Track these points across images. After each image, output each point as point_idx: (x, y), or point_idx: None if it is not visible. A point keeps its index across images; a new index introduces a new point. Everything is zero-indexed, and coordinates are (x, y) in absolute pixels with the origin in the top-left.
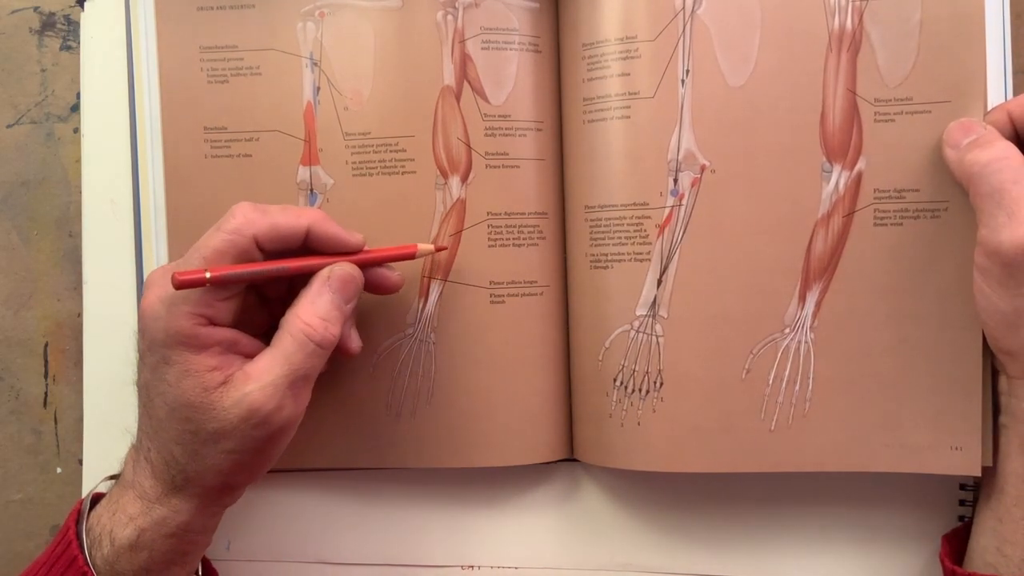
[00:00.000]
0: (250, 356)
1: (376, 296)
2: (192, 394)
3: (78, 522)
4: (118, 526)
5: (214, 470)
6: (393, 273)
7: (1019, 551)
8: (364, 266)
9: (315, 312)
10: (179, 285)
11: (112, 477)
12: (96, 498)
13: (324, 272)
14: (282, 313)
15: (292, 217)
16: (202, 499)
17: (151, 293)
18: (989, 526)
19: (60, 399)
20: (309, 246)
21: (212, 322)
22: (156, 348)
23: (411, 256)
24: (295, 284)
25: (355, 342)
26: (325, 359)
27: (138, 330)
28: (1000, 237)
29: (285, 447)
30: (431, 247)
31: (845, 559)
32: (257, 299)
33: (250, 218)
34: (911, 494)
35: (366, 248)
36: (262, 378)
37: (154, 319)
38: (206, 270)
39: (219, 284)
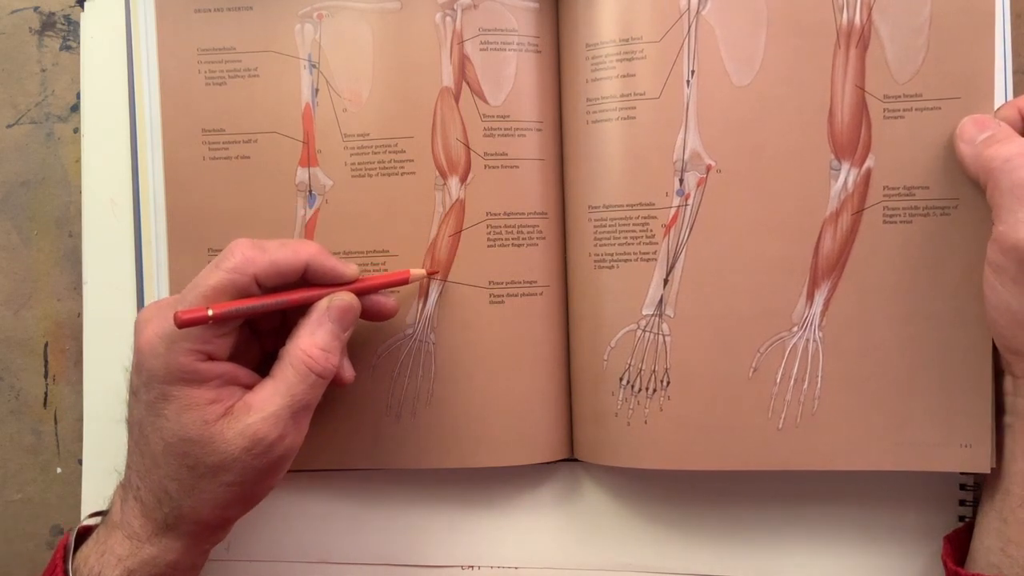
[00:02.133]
0: (248, 387)
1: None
2: (193, 428)
3: (65, 559)
4: (107, 567)
5: (211, 504)
6: (388, 299)
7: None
8: (360, 294)
9: (315, 343)
10: (182, 324)
11: (98, 513)
12: (84, 531)
13: (323, 303)
14: (274, 345)
15: (291, 253)
16: (193, 537)
17: (149, 330)
18: (993, 527)
19: (60, 399)
20: (306, 279)
21: (211, 357)
22: (155, 384)
23: (404, 282)
24: (288, 316)
25: (348, 371)
26: (324, 388)
27: (133, 367)
28: (1019, 233)
29: (282, 476)
30: (423, 272)
31: (845, 559)
32: (250, 332)
33: (249, 256)
34: (911, 494)
35: (360, 277)
36: (265, 408)
37: (154, 356)
38: (208, 308)
39: (221, 321)
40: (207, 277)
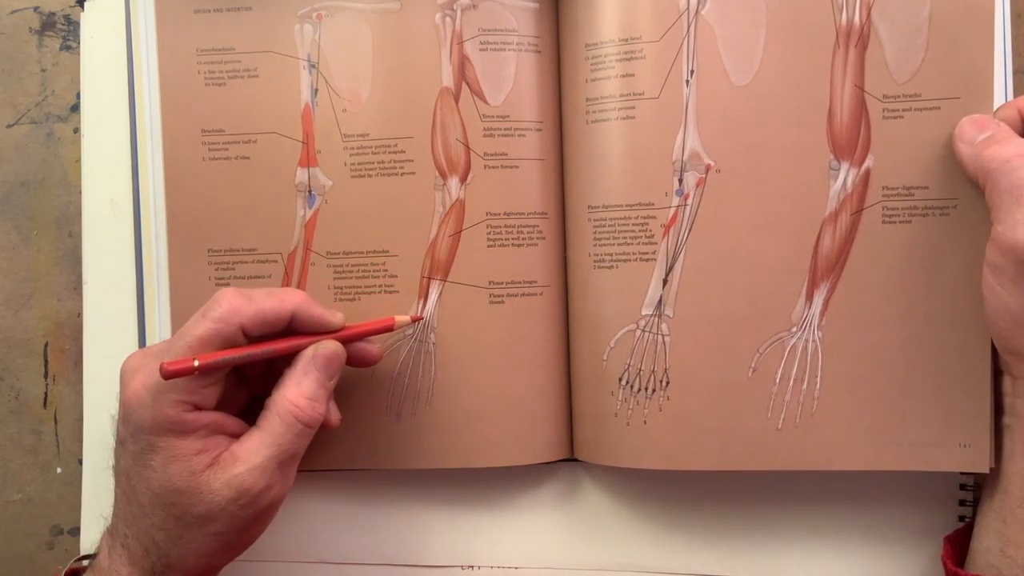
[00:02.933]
0: (234, 435)
1: (375, 296)
2: (179, 479)
3: None
4: None
5: (197, 553)
6: (373, 346)
7: (1023, 552)
8: (344, 342)
9: (301, 392)
10: (168, 375)
11: (85, 557)
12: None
13: (309, 351)
14: (260, 389)
15: (277, 303)
16: None
17: (135, 381)
18: (992, 527)
19: (60, 399)
20: (292, 327)
21: (198, 407)
22: (141, 435)
23: (389, 329)
24: (274, 361)
25: (334, 415)
26: (311, 437)
27: (120, 417)
28: (1017, 234)
29: (269, 523)
30: (407, 319)
31: (845, 559)
32: (236, 378)
33: (236, 306)
34: (911, 494)
35: (345, 325)
36: (251, 459)
37: (140, 407)
38: (194, 358)
39: (207, 372)
40: (194, 327)
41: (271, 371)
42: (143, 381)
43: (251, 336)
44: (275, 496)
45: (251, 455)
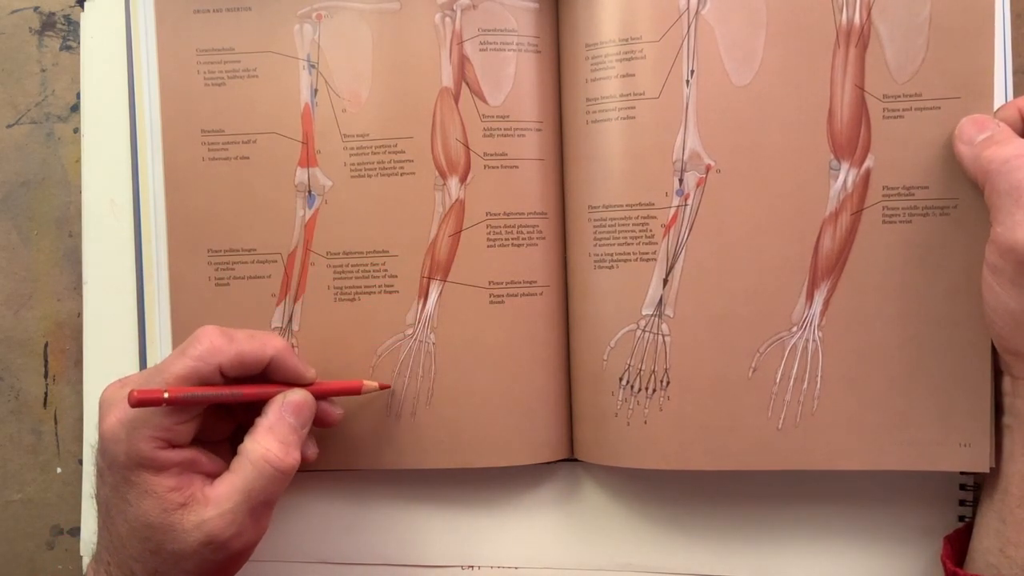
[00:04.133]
0: (210, 474)
1: (375, 296)
2: (152, 514)
3: None
4: None
5: None
6: (335, 409)
7: (1022, 552)
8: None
9: (275, 438)
10: (135, 403)
11: None
12: None
13: (279, 398)
14: (244, 416)
15: (258, 346)
16: None
17: (111, 415)
18: (992, 527)
19: (60, 399)
20: (267, 374)
21: (172, 444)
22: (116, 469)
23: (356, 391)
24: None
25: (311, 450)
26: (287, 483)
27: (98, 449)
28: (1016, 235)
29: (244, 565)
30: (375, 384)
31: (845, 559)
32: (220, 407)
33: (216, 345)
34: (911, 494)
35: (316, 381)
36: (221, 504)
37: (115, 442)
38: (165, 390)
39: (175, 405)
40: (172, 363)
41: (255, 401)
42: (118, 416)
43: (228, 377)
44: (245, 543)
45: (222, 500)
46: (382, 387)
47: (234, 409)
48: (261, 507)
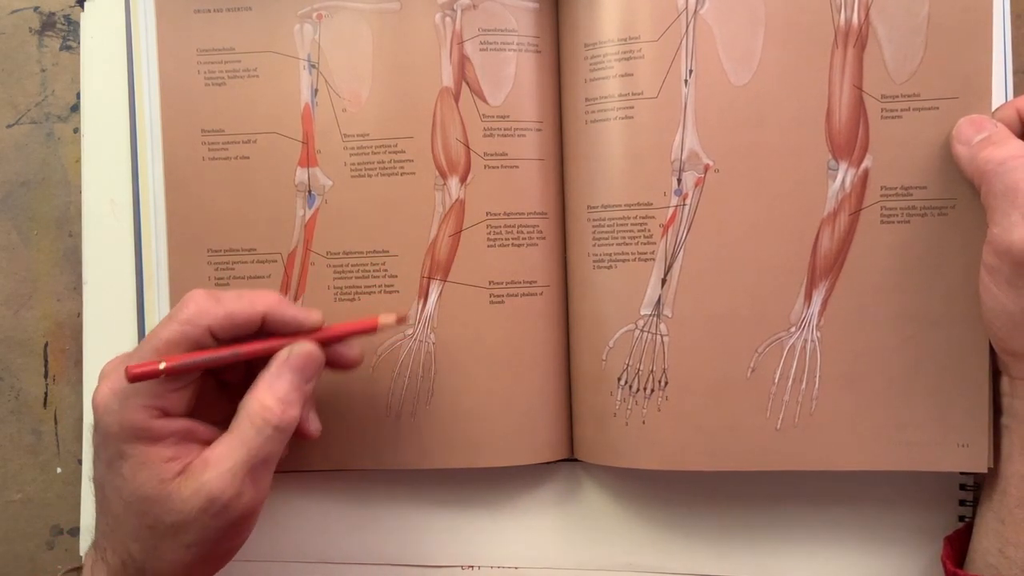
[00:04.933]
0: (208, 444)
1: (375, 296)
2: (149, 487)
3: None
4: None
5: (172, 566)
6: (352, 350)
7: (1022, 553)
8: (324, 343)
9: (273, 394)
10: (132, 378)
11: (74, 569)
12: None
13: (283, 352)
14: (241, 399)
15: (247, 304)
16: None
17: (103, 386)
18: (991, 528)
19: (60, 399)
20: (266, 330)
21: (166, 413)
22: (110, 442)
23: (372, 330)
24: (253, 368)
25: (314, 424)
26: (285, 442)
27: (93, 424)
28: (1012, 236)
29: (247, 538)
30: (393, 318)
31: (845, 560)
32: (215, 385)
33: (203, 307)
34: (911, 494)
35: (325, 325)
36: (220, 464)
37: (107, 413)
38: (160, 361)
39: (174, 375)
40: (161, 329)
41: (250, 378)
42: (110, 386)
43: (221, 339)
44: (247, 505)
45: (220, 460)
46: (399, 320)
47: (232, 388)
48: (261, 466)
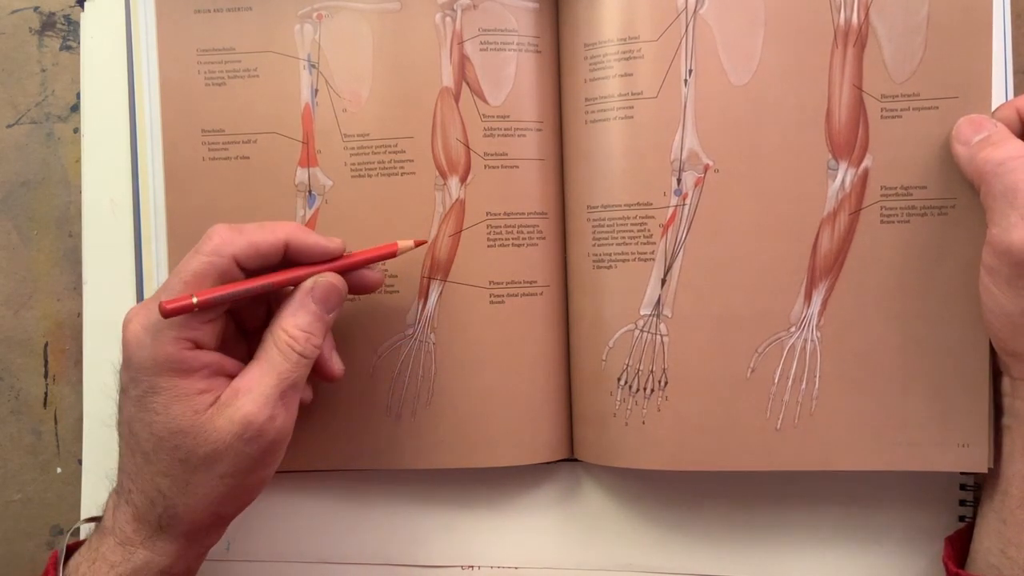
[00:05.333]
0: (234, 377)
1: (375, 297)
2: (183, 418)
3: (56, 567)
4: (98, 575)
5: (205, 500)
6: (373, 272)
7: (1023, 553)
8: (347, 270)
9: (296, 324)
10: (168, 313)
11: (91, 519)
12: (73, 546)
13: (307, 283)
14: (259, 344)
15: (268, 233)
16: (187, 538)
17: (134, 324)
18: (993, 528)
19: (60, 399)
20: (290, 259)
21: (198, 345)
22: (142, 377)
23: (392, 254)
24: (273, 308)
25: (337, 365)
26: (309, 368)
27: (122, 364)
28: (1011, 237)
29: (276, 467)
30: (411, 243)
31: (846, 560)
32: (236, 330)
33: (227, 238)
34: (912, 494)
35: (347, 251)
36: (253, 389)
37: (139, 347)
38: (193, 295)
39: (206, 307)
40: (187, 263)
41: (269, 323)
42: (142, 322)
43: (247, 269)
44: (279, 429)
45: (252, 386)
46: (418, 244)
47: (250, 333)
48: (290, 391)
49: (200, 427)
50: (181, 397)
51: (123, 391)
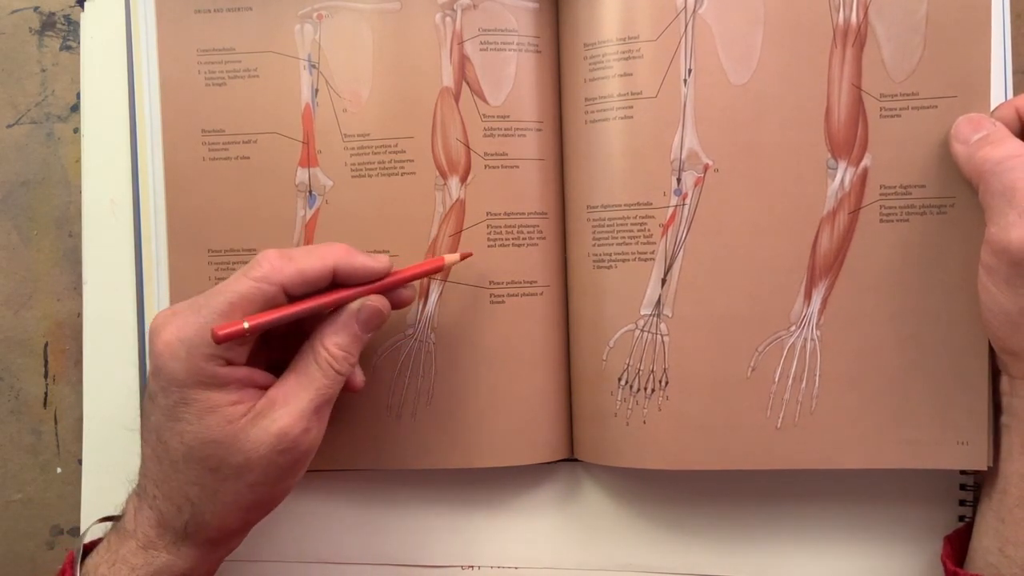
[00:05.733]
0: (264, 389)
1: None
2: (216, 429)
3: (73, 567)
4: None
5: (233, 507)
6: (408, 290)
7: (1021, 552)
8: (392, 288)
9: (337, 343)
10: (220, 340)
11: (106, 519)
12: (89, 547)
13: (354, 305)
14: (281, 353)
15: (317, 260)
16: (210, 544)
17: (167, 332)
18: (991, 527)
19: (60, 399)
20: (338, 281)
21: (230, 362)
22: (173, 388)
23: (439, 269)
24: (301, 323)
25: (359, 376)
26: (343, 384)
27: (150, 371)
28: (1010, 236)
29: (302, 476)
30: (457, 256)
31: (845, 559)
32: (259, 340)
33: (277, 266)
34: (911, 493)
35: (391, 270)
36: (289, 402)
37: (173, 359)
38: (244, 321)
39: (256, 333)
40: (234, 284)
41: (291, 335)
42: (176, 334)
43: (293, 296)
44: (312, 441)
45: (289, 399)
46: (463, 257)
47: (271, 343)
48: (324, 406)
49: (234, 437)
50: (214, 409)
51: (151, 398)
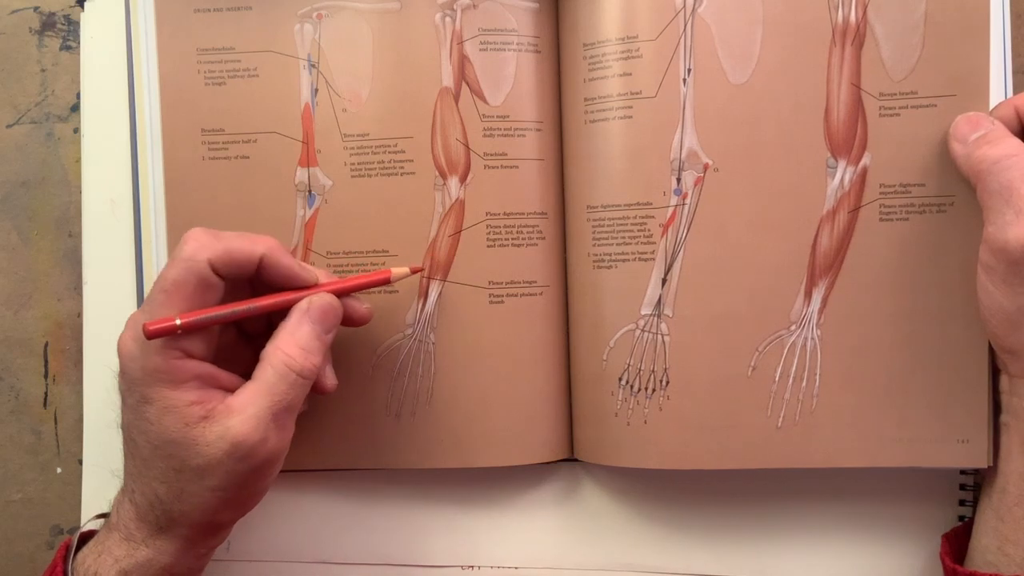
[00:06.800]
0: (230, 391)
1: (375, 296)
2: (174, 430)
3: (65, 559)
4: (103, 568)
5: (200, 508)
6: (361, 304)
7: (1020, 550)
8: (338, 295)
9: (295, 342)
10: (151, 335)
11: (102, 516)
12: (86, 536)
13: (303, 303)
14: (262, 349)
15: (247, 242)
16: (187, 540)
17: (125, 333)
18: (990, 525)
19: (60, 399)
20: (263, 276)
21: (188, 355)
22: (135, 387)
23: (386, 281)
24: (274, 319)
25: (331, 378)
26: (307, 389)
27: (119, 371)
28: (1007, 235)
29: (271, 482)
30: (406, 270)
31: (845, 558)
32: (236, 335)
33: (203, 242)
34: (911, 492)
35: (329, 280)
36: (245, 410)
37: (130, 359)
38: (176, 317)
39: (191, 330)
40: (166, 271)
41: (271, 329)
42: (131, 333)
43: (223, 275)
44: (271, 450)
45: (245, 406)
46: (413, 271)
47: (254, 338)
48: (284, 413)
49: (192, 440)
50: (171, 409)
51: (121, 397)
